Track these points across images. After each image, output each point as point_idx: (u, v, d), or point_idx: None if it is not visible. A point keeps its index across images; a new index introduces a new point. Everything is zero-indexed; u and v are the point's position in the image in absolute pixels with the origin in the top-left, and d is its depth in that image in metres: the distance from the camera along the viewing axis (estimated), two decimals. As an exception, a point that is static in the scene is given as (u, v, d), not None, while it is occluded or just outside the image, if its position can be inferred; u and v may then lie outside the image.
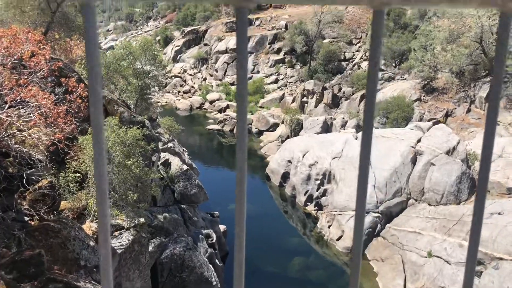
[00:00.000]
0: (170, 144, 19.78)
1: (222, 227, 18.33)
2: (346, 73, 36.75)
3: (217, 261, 15.82)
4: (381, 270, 16.66)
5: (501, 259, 14.28)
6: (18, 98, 8.96)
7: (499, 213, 16.75)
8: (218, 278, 14.41)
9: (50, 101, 9.36)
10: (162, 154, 18.26)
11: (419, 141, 21.82)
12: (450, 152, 21.29)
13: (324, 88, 33.63)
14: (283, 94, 36.83)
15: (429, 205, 19.13)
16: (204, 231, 16.63)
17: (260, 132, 32.17)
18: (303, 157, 23.21)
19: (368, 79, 0.60)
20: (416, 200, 19.69)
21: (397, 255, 16.87)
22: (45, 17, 16.76)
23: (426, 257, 15.73)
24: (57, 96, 10.32)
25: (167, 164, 18.04)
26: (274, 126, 32.02)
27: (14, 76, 9.88)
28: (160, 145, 18.78)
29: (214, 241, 16.40)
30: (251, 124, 33.10)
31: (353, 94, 32.19)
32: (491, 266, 14.23)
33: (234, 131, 33.35)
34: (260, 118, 32.87)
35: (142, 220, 12.94)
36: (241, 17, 0.54)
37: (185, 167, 18.29)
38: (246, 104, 0.60)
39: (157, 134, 18.70)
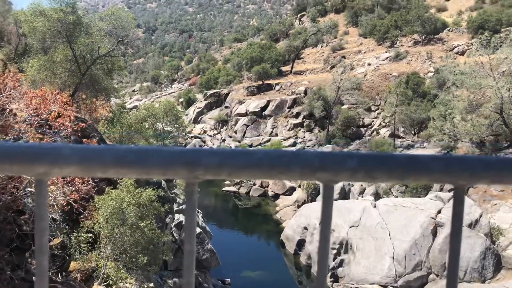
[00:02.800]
0: (185, 206, 19.66)
1: (233, 296, 17.62)
2: (365, 139, 36.84)
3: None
4: None
5: None
6: (39, 158, 9.14)
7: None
8: None
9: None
10: (176, 216, 18.12)
11: (439, 212, 21.19)
12: (472, 225, 20.52)
13: (342, 154, 33.57)
14: (301, 158, 36.92)
15: (452, 281, 18.11)
16: (214, 299, 15.99)
17: (276, 196, 31.87)
18: (319, 224, 22.64)
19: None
20: (437, 275, 18.72)
21: (418, 336, 15.75)
22: (74, 79, 17.60)
23: None
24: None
25: (180, 227, 17.82)
26: (291, 190, 31.75)
27: (39, 136, 10.19)
28: (175, 206, 18.70)
29: (224, 310, 15.70)
30: (267, 187, 32.93)
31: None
32: None
33: (250, 193, 33.17)
34: (277, 181, 32.75)
35: (151, 285, 12.57)
36: (190, 189, 0.56)
37: (198, 230, 18.02)
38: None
39: (173, 195, 18.70)
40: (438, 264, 18.95)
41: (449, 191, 26.28)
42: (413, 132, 36.63)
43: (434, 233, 20.11)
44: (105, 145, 0.55)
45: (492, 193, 27.23)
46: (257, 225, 27.85)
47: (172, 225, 17.00)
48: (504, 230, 21.05)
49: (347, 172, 0.51)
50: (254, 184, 33.37)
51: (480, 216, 21.17)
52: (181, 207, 19.20)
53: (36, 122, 10.52)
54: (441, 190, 26.84)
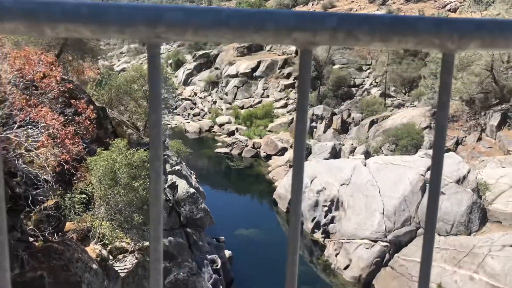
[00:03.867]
0: (177, 167, 19.77)
1: (227, 253, 18.06)
2: (356, 99, 36.82)
3: (221, 287, 15.53)
4: (389, 301, 16.20)
5: (514, 294, 13.80)
6: (28, 118, 9.05)
7: (511, 246, 16.32)
8: (222, 306, 14.10)
9: (58, 122, 9.43)
10: (169, 177, 18.23)
11: (428, 169, 21.53)
12: (460, 181, 20.97)
13: (333, 114, 33.66)
14: (292, 119, 36.90)
15: (439, 235, 18.70)
16: (209, 256, 16.40)
17: (268, 157, 32.09)
18: (311, 183, 23.01)
19: (297, 115, 0.56)
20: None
21: (406, 287, 16.41)
22: (59, 40, 17.12)
23: (436, 289, 15.27)
24: (66, 117, 10.39)
25: (173, 187, 17.98)
26: (283, 151, 31.96)
27: (25, 97, 10.01)
28: (167, 167, 18.79)
29: (219, 267, 16.14)
30: (259, 148, 33.08)
31: (362, 120, 32.13)
32: (504, 301, 13.74)
33: (243, 154, 33.35)
34: (269, 142, 32.87)
35: (147, 243, 12.79)
36: (152, 52, 0.52)
37: (192, 190, 18.21)
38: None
39: (165, 157, 18.72)
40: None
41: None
42: (403, 91, 36.62)
43: (423, 190, 20.54)
44: None
45: (480, 150, 27.68)
46: (249, 185, 28.19)
47: (166, 186, 17.14)
48: (491, 185, 21.55)
49: (326, 32, 0.49)
50: (247, 146, 33.47)
51: (468, 172, 21.59)
52: (173, 168, 19.30)
53: (22, 84, 10.31)
54: (430, 147, 27.20)
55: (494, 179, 22.12)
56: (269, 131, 36.06)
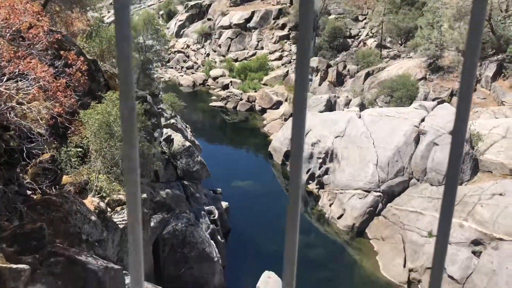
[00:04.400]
0: (172, 120, 19.68)
1: (224, 204, 18.39)
2: (352, 50, 36.22)
3: (219, 237, 15.93)
4: (381, 249, 16.76)
5: (501, 239, 14.30)
6: (17, 70, 8.81)
7: (500, 194, 16.71)
8: (220, 255, 14.53)
9: (49, 74, 9.22)
10: (165, 130, 18.18)
11: (423, 120, 21.62)
12: (454, 132, 21.08)
13: (328, 66, 33.21)
14: (287, 72, 36.43)
15: (431, 185, 19.09)
16: (206, 208, 16.70)
17: (263, 110, 31.96)
18: (306, 135, 23.07)
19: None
20: (418, 180, 19.64)
21: (397, 235, 16.94)
22: (45, -11, 16.39)
23: (426, 237, 15.78)
24: (56, 69, 10.15)
25: (169, 140, 17.98)
26: (278, 104, 31.80)
27: (12, 48, 9.71)
28: (162, 121, 18.68)
29: (216, 217, 16.48)
30: (254, 101, 32.85)
31: (357, 72, 31.79)
32: (491, 247, 14.27)
33: (238, 108, 33.17)
34: (264, 96, 32.61)
35: (144, 195, 12.94)
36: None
37: (187, 143, 18.23)
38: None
39: (159, 110, 18.56)
40: (419, 170, 19.78)
41: (434, 100, 26.62)
42: (400, 42, 35.99)
43: (417, 141, 20.70)
44: None
45: (475, 101, 27.69)
46: (245, 139, 28.28)
47: (161, 139, 17.13)
48: (483, 136, 21.73)
49: None
50: (241, 99, 33.22)
51: (462, 123, 21.68)
52: (168, 121, 19.20)
53: (8, 34, 9.95)
54: (425, 99, 27.17)
55: (487, 129, 22.28)
56: (264, 84, 35.67)
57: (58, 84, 9.63)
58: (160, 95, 21.06)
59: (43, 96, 9.63)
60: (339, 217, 18.82)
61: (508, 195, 16.09)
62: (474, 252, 14.52)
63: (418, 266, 15.34)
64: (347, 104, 27.63)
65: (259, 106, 32.43)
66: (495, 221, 15.22)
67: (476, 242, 14.76)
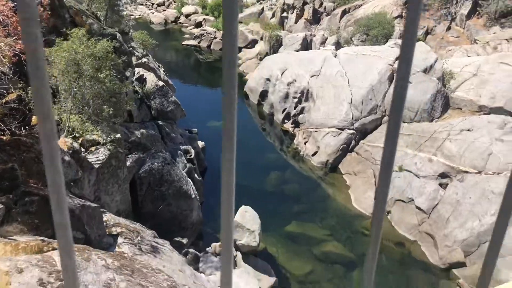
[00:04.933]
0: (144, 59, 19.07)
1: (200, 144, 18.43)
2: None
3: (196, 175, 16.12)
4: (353, 183, 17.39)
5: (466, 172, 15.02)
6: (-28, 2, 8.21)
7: (468, 130, 17.30)
8: (197, 192, 14.79)
9: (7, 8, 8.63)
10: (137, 70, 17.66)
11: (397, 59, 21.59)
12: (427, 70, 21.34)
13: (305, 3, 32.29)
14: (262, 9, 35.29)
15: (403, 122, 19.53)
16: (183, 147, 16.71)
17: (238, 49, 31.23)
18: (281, 75, 22.90)
19: None
20: (391, 117, 20.00)
21: (369, 170, 17.53)
22: None
23: (397, 171, 16.40)
24: (15, 3, 9.49)
25: (142, 80, 17.53)
26: (253, 43, 31.09)
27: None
28: (134, 60, 18.08)
29: (192, 156, 16.56)
30: (228, 40, 31.93)
31: (334, 9, 31.09)
32: (457, 179, 15.00)
33: (212, 47, 32.29)
34: (239, 34, 31.70)
35: (118, 135, 12.80)
36: None
37: (160, 83, 17.84)
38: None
39: (130, 49, 17.89)
40: (392, 108, 20.11)
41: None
42: (378, -22, 35.04)
43: (391, 79, 20.86)
44: None
45: (449, 39, 27.80)
46: (220, 78, 27.80)
47: (133, 79, 16.67)
48: (455, 73, 22.07)
49: None
50: (215, 38, 32.25)
51: (435, 61, 21.89)
52: (140, 60, 18.61)
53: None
54: (400, 37, 27.03)
55: (459, 67, 22.60)
56: (239, 22, 34.50)
57: (19, 19, 9.05)
58: (130, 33, 20.20)
59: (3, 32, 9.09)
60: (313, 154, 19.24)
61: (475, 131, 16.68)
62: (441, 184, 15.26)
63: (388, 198, 16.05)
64: (323, 42, 27.27)
65: (233, 45, 31.53)
66: (462, 155, 15.88)
67: (443, 175, 15.46)
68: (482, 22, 28.33)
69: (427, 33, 28.23)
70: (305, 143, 20.12)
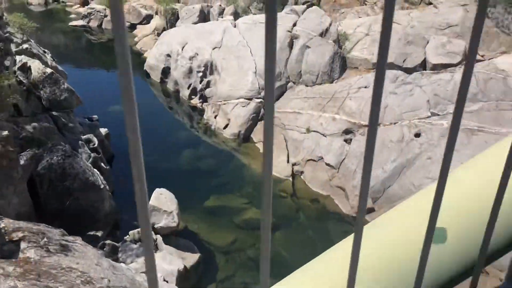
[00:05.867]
0: (25, 46, 17.17)
1: (103, 131, 17.33)
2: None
3: (102, 164, 15.19)
4: (266, 150, 17.70)
5: (366, 126, 15.97)
6: None
7: (365, 87, 18.39)
8: (106, 181, 13.98)
9: None
10: (18, 58, 15.86)
11: (295, 25, 22.10)
12: (323, 34, 22.08)
13: (197, -26, 31.31)
14: (154, -18, 33.58)
15: (306, 86, 20.18)
16: (84, 137, 15.57)
17: (133, 26, 29.58)
18: (182, 49, 22.19)
19: None
20: (294, 83, 20.57)
21: (280, 135, 17.94)
22: None
23: (305, 133, 16.99)
24: None
25: (26, 69, 15.80)
26: (148, 18, 29.61)
27: None
28: (13, 47, 16.18)
29: (96, 145, 15.53)
30: (121, 17, 30.00)
31: (228, -22, 30.61)
32: (359, 133, 15.96)
33: (103, 26, 30.19)
34: (131, 10, 29.95)
35: (6, 132, 11.45)
36: None
37: (49, 70, 16.24)
38: None
39: (7, 35, 15.93)
40: (295, 73, 20.64)
41: (304, 3, 27.15)
42: None
43: (291, 45, 21.30)
44: None
45: (341, 2, 28.98)
46: (115, 59, 26.13)
47: (15, 68, 14.95)
48: (349, 35, 23.13)
49: None
50: (106, 16, 30.12)
51: (330, 24, 22.71)
52: (20, 47, 16.72)
53: None
54: (296, 3, 27.58)
55: (352, 29, 23.72)
56: (128, -3, 32.53)
57: None
58: (4, 17, 17.95)
59: None
60: (225, 127, 19.16)
61: (371, 87, 17.73)
62: (346, 140, 16.15)
63: (299, 159, 16.65)
64: (221, 13, 26.85)
65: (127, 21, 29.83)
66: (361, 111, 16.88)
67: (347, 131, 16.35)
68: (368, -16, 29.89)
69: (319, -3, 29.09)
70: (215, 117, 19.93)
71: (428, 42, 20.81)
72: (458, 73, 17.96)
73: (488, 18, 20.35)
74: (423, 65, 20.12)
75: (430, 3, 24.88)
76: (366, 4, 28.95)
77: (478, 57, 19.57)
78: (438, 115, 16.16)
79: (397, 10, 25.02)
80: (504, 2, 19.64)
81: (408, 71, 19.31)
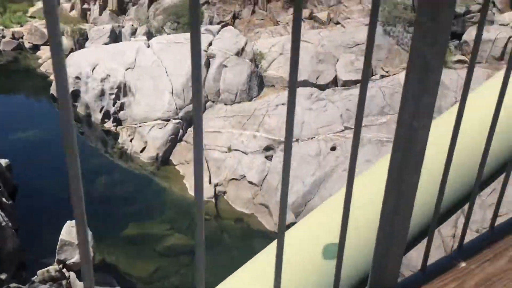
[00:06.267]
0: None
1: (4, 161, 15.63)
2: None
3: (3, 199, 13.61)
4: (187, 172, 17.18)
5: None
6: None
7: (282, 104, 18.77)
8: (9, 217, 12.50)
9: None
10: None
11: (210, 44, 22.09)
12: (239, 53, 22.32)
13: (107, -7, 30.24)
14: (59, 1, 31.80)
15: (225, 104, 20.10)
16: (-21, 170, 13.90)
17: (36, 47, 27.50)
18: (92, 71, 21.05)
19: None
20: (213, 101, 20.39)
21: (200, 156, 17.52)
22: None
23: (226, 152, 16.78)
24: None
25: None
26: (54, 40, 27.73)
27: None
28: None
29: (-6, 178, 13.91)
30: (22, 38, 27.87)
31: (140, -2, 29.97)
32: (279, 149, 16.13)
33: (1, 47, 27.74)
34: (33, 31, 27.89)
35: None
36: None
37: None
38: None
39: None
40: (213, 92, 20.49)
41: (219, 23, 27.34)
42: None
43: (208, 64, 21.18)
44: None
45: (255, 22, 29.66)
46: (18, 83, 24.08)
47: None
48: (265, 53, 23.63)
49: None
50: (4, 37, 27.73)
51: (245, 44, 23.04)
52: None
53: None
54: (210, 23, 27.70)
55: (267, 48, 24.28)
56: (31, 17, 30.36)
57: None
58: None
59: None
60: (142, 151, 18.32)
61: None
62: (267, 157, 16.22)
63: (222, 179, 16.36)
64: (133, 33, 26.06)
65: (29, 43, 27.70)
66: (280, 127, 17.12)
67: (267, 148, 16.45)
68: (281, 5, 31.00)
69: (234, 17, 29.55)
70: (131, 141, 19.00)
71: (338, 60, 21.91)
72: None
73: (390, 37, 22.01)
74: (335, 82, 21.09)
75: (338, 23, 26.40)
76: (279, 24, 29.94)
77: (383, 72, 21.02)
78: (351, 128, 16.91)
79: (308, 29, 26.17)
80: (403, 22, 21.38)
81: (321, 88, 20.10)
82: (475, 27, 20.69)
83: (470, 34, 20.55)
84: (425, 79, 0.88)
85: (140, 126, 19.06)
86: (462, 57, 20.19)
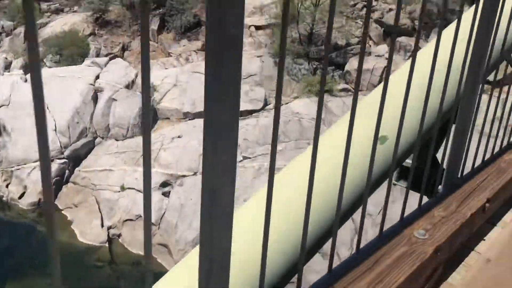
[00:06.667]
0: None
1: None
2: (3, 2, 30.81)
3: None
4: (76, 216, 15.63)
5: (184, 176, 15.72)
6: None
7: (178, 137, 18.28)
8: None
9: None
10: None
11: (97, 77, 20.95)
12: (130, 86, 21.45)
13: (-25, 23, 27.19)
14: None
15: (116, 140, 18.96)
16: None
17: None
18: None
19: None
20: (102, 138, 19.12)
21: (91, 197, 16.14)
22: None
23: (119, 191, 15.65)
24: None
25: None
26: None
27: None
28: None
29: None
30: None
31: (15, 29, 27.47)
32: (177, 185, 15.50)
33: None
34: None
35: None
36: None
37: None
38: None
39: None
40: (103, 127, 19.24)
41: (106, 55, 26.10)
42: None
43: (95, 99, 19.98)
44: None
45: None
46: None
47: None
48: (157, 86, 23.02)
49: None
50: None
51: (136, 76, 22.26)
52: None
53: None
54: (97, 55, 26.33)
55: (160, 80, 23.72)
56: None
57: None
58: None
59: None
60: (20, 197, 16.29)
61: (185, 136, 17.74)
62: (164, 194, 15.45)
63: (115, 221, 15.15)
64: (7, 67, 23.62)
65: None
66: (177, 161, 16.56)
67: (164, 184, 15.71)
68: (172, 36, 30.73)
69: (124, 49, 28.50)
70: (7, 186, 16.82)
71: (232, 91, 22.18)
72: (262, 118, 19.51)
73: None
74: (230, 112, 21.21)
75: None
76: (171, 56, 29.60)
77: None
78: (249, 158, 17.00)
79: (202, 61, 26.25)
80: (292, 54, 22.53)
81: (217, 118, 20.03)
82: (355, 57, 22.62)
83: (351, 64, 22.32)
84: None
85: (18, 169, 16.98)
86: (346, 85, 21.80)
